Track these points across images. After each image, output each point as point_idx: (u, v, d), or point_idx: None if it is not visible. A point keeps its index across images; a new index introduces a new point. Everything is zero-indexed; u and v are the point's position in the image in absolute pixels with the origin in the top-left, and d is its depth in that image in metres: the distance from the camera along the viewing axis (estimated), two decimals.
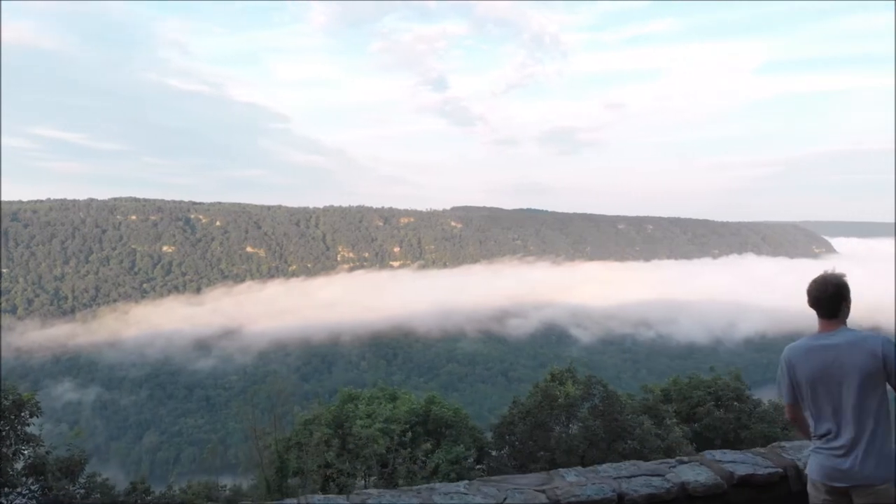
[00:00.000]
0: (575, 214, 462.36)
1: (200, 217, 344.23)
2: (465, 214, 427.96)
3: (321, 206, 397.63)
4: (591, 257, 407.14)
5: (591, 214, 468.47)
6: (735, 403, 26.36)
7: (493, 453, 26.60)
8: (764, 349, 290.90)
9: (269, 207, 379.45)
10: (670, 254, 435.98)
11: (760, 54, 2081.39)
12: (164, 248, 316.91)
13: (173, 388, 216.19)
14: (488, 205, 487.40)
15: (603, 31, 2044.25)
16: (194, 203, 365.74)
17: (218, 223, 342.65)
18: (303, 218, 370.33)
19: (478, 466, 25.54)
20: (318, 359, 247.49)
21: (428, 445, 21.90)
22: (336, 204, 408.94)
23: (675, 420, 23.17)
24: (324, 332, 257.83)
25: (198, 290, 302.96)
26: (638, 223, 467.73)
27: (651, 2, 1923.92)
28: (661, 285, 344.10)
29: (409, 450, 21.00)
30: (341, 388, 28.88)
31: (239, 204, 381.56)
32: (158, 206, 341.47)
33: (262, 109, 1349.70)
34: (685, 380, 28.24)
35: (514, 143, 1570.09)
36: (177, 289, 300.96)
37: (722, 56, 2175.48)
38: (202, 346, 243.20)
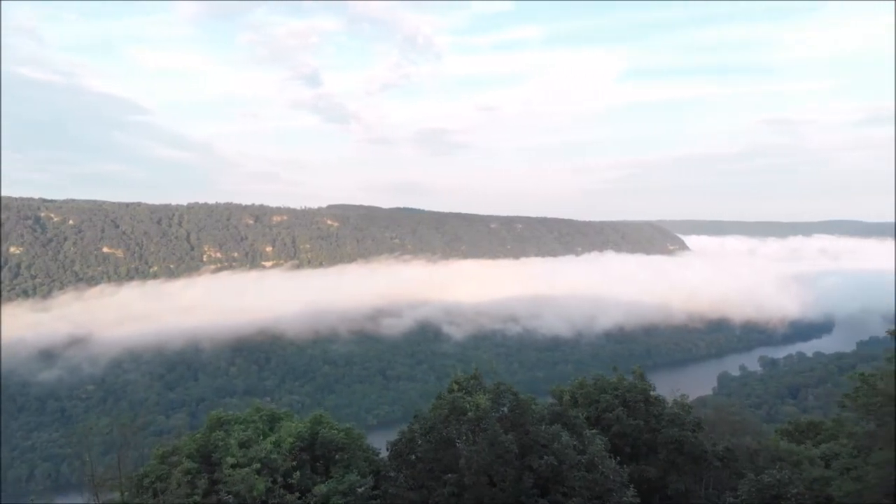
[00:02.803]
0: (450, 214, 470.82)
1: (52, 216, 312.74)
2: (342, 213, 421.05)
3: (185, 203, 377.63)
4: (466, 255, 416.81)
5: (465, 214, 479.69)
6: (642, 405, 25.33)
7: (392, 475, 23.48)
8: (623, 341, 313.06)
9: (127, 205, 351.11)
10: (538, 251, 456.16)
11: (621, 62, 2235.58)
12: (11, 250, 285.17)
13: (24, 401, 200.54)
14: (365, 203, 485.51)
15: (474, 34, 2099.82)
16: (45, 200, 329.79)
17: (71, 222, 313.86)
18: (165, 216, 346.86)
19: (374, 492, 22.46)
20: (183, 366, 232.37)
21: (322, 487, 18.15)
22: (202, 201, 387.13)
23: (595, 430, 21.36)
24: (183, 338, 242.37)
25: (48, 295, 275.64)
26: (509, 223, 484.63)
27: (519, 3, 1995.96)
28: (529, 282, 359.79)
29: (297, 493, 17.25)
30: (210, 413, 24.06)
31: (94, 201, 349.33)
32: (4, 204, 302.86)
33: (120, 101, 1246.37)
34: (591, 381, 26.96)
35: (389, 143, 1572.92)
36: (25, 293, 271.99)
37: (586, 63, 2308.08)
38: (47, 355, 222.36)
